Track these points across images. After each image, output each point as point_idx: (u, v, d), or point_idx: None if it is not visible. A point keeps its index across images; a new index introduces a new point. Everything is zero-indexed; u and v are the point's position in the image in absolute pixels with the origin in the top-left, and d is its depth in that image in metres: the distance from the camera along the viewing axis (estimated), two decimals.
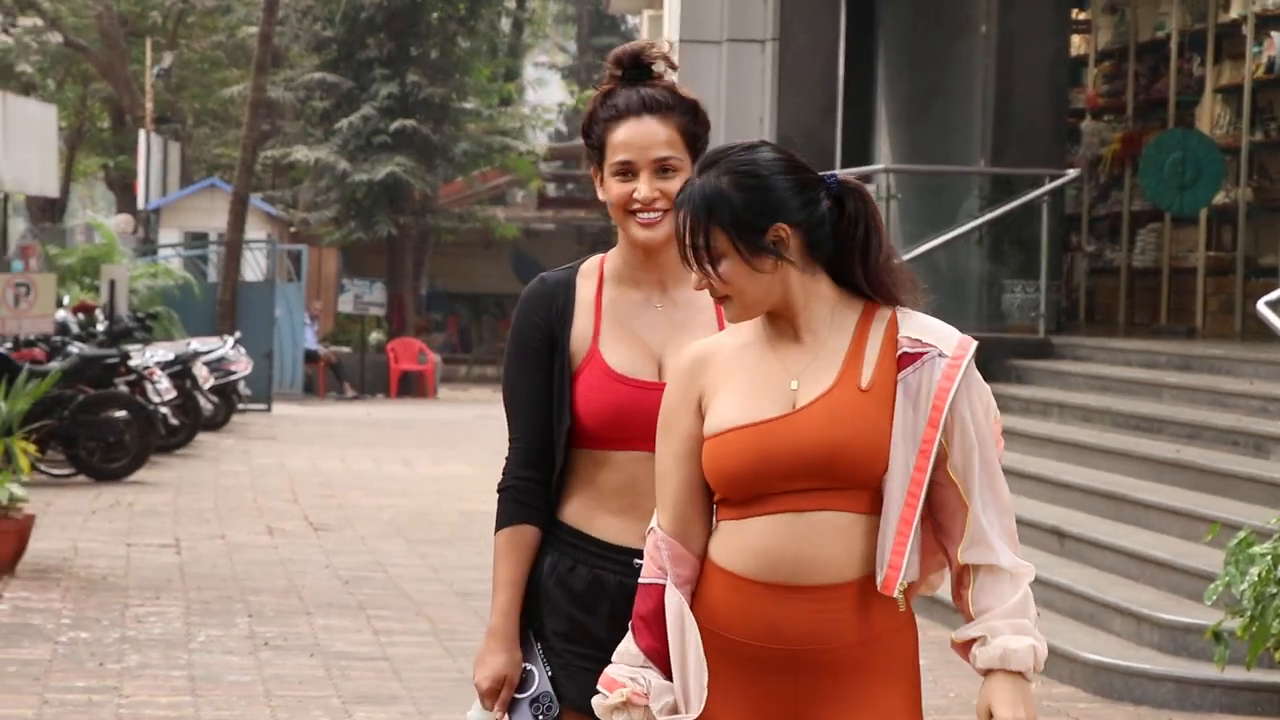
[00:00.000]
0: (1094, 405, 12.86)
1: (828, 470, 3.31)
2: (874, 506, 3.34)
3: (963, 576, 3.38)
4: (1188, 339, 15.71)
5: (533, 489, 3.71)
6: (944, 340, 3.37)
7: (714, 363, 3.42)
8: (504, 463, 3.75)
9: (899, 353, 3.36)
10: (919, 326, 3.39)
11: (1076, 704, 8.56)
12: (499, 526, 3.73)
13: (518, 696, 3.65)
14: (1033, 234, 15.29)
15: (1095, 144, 19.07)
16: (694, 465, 3.39)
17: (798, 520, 3.32)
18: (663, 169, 3.65)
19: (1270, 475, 9.95)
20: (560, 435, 3.68)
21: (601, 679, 3.43)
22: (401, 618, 10.44)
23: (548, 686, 3.65)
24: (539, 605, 3.70)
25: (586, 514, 3.68)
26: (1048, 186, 15.15)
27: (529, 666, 3.67)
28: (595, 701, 3.41)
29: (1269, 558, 7.87)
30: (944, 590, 3.54)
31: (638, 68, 3.71)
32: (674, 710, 3.35)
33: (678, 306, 3.72)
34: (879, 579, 3.32)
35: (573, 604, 3.66)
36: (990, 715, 3.32)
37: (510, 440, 3.75)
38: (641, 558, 3.47)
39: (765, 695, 3.35)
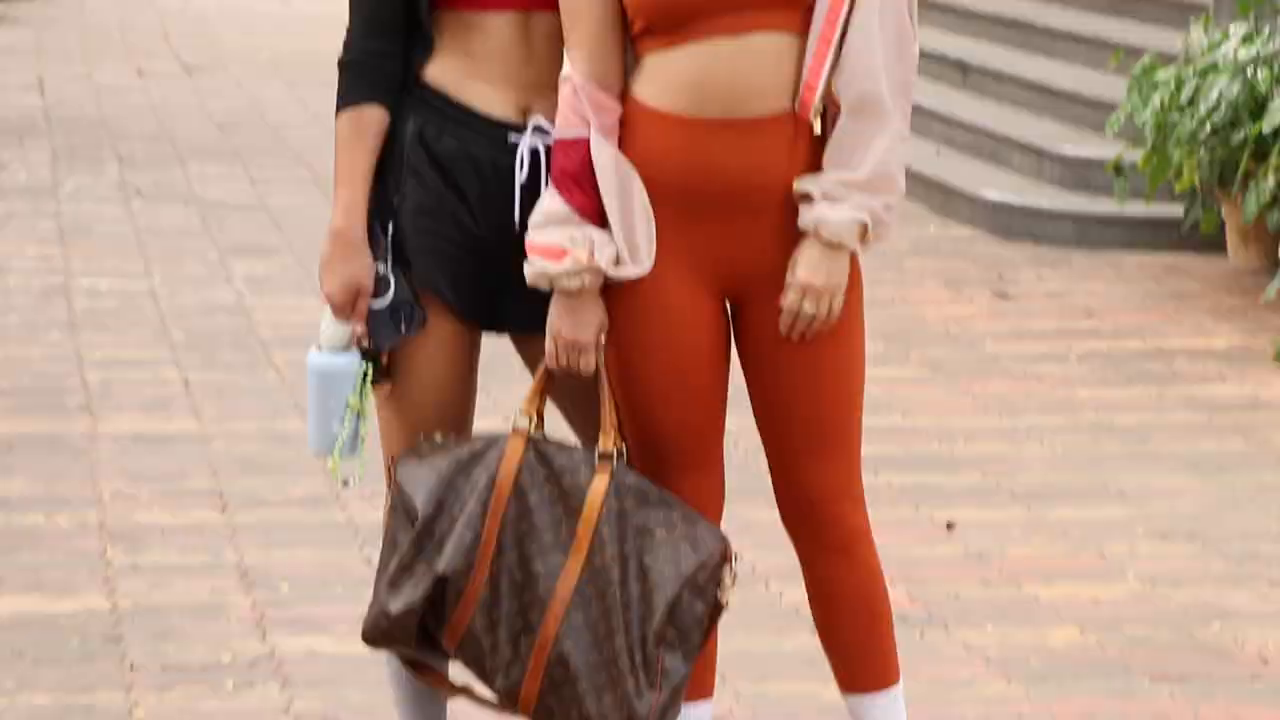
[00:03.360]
0: None
1: None
2: (805, 27, 3.26)
3: (834, 117, 3.30)
4: None
5: (380, 63, 3.39)
6: None
7: None
8: (344, 32, 3.40)
9: None
10: None
11: (975, 245, 8.71)
12: (340, 107, 3.39)
13: (374, 306, 3.40)
14: None
15: None
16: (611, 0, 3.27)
17: (734, 44, 3.22)
18: None
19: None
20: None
21: (534, 247, 3.27)
22: (280, 165, 10.41)
23: (407, 293, 3.39)
24: (400, 177, 3.41)
25: (456, 79, 3.38)
26: None
27: (383, 270, 3.40)
28: (538, 271, 3.26)
29: (1172, 84, 7.91)
30: None
31: None
32: (617, 262, 3.28)
33: None
34: (797, 101, 3.25)
35: (440, 176, 3.39)
36: (796, 278, 3.29)
37: (351, 3, 3.41)
38: (519, 132, 3.36)
39: (700, 239, 3.31)
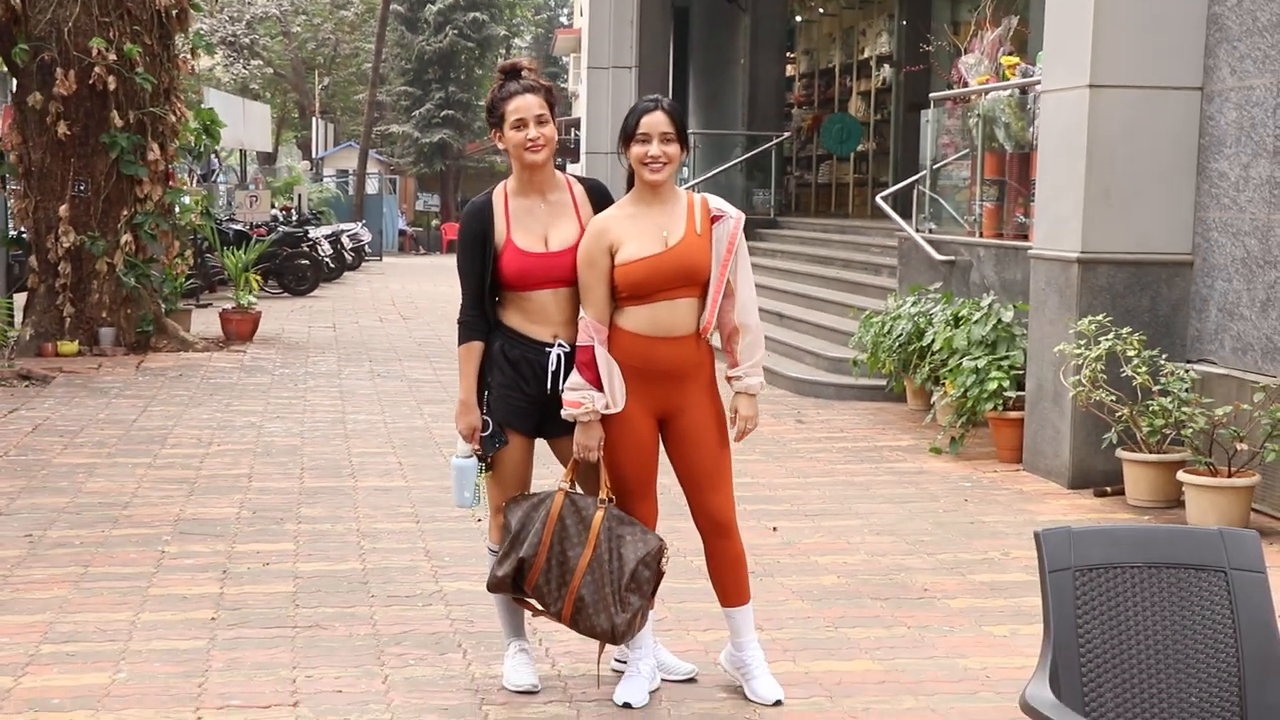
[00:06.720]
0: (798, 251, 12.85)
1: (689, 278, 3.23)
2: (703, 294, 3.27)
3: (733, 336, 3.34)
4: (845, 219, 15.70)
5: (477, 320, 3.35)
6: (731, 211, 3.32)
7: (613, 227, 3.25)
8: (460, 305, 3.41)
9: (711, 215, 3.30)
10: (719, 203, 3.33)
11: (788, 399, 8.67)
12: (461, 342, 3.37)
13: (482, 435, 3.35)
14: (768, 165, 15.16)
15: (798, 121, 18.87)
16: (608, 282, 3.24)
17: (669, 304, 3.24)
18: (540, 120, 3.33)
19: (881, 285, 10.01)
20: (488, 288, 3.34)
21: (566, 401, 3.24)
22: (448, 362, 10.33)
23: (497, 428, 3.35)
24: (491, 369, 3.34)
25: (518, 322, 3.34)
26: (774, 141, 15.00)
27: (485, 417, 3.35)
28: (568, 413, 3.24)
29: (879, 324, 7.98)
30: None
31: (515, 72, 3.43)
32: (607, 407, 3.27)
33: (551, 205, 3.37)
34: (701, 326, 3.28)
35: (511, 368, 3.33)
36: (737, 411, 3.34)
37: (463, 293, 3.40)
38: (550, 347, 3.31)
39: (650, 394, 3.29)
